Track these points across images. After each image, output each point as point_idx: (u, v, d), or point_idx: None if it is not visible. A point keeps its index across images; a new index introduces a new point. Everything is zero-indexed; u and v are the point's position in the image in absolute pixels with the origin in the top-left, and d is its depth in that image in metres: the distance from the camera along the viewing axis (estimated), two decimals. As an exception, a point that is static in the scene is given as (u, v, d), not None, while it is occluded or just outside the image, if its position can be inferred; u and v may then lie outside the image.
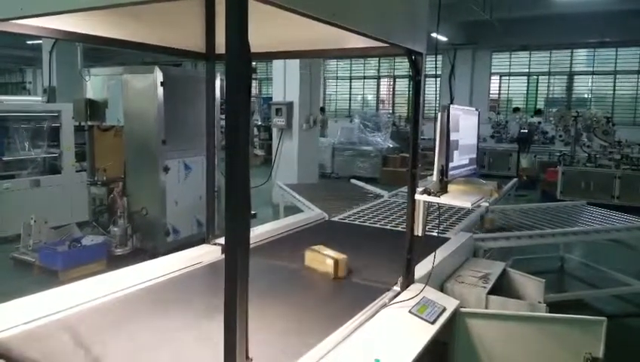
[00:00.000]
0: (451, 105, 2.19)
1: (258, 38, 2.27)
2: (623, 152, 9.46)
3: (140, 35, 2.53)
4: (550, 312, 2.72)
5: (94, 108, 5.85)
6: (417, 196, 2.25)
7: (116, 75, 5.75)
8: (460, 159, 2.35)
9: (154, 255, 3.73)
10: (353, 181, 6.49)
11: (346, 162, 12.34)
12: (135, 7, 1.53)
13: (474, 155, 2.55)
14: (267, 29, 2.22)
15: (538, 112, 13.75)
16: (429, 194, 2.20)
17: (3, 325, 1.92)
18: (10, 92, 23.65)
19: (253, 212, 6.41)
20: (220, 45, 2.84)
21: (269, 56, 3.06)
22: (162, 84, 5.39)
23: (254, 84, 19.53)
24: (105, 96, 5.84)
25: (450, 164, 2.23)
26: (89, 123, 5.94)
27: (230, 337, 1.34)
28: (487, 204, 4.21)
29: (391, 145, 12.51)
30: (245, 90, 1.29)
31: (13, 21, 1.85)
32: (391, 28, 2.15)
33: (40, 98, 11.14)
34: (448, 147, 2.17)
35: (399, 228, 3.71)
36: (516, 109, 14.36)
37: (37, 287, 2.26)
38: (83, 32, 2.28)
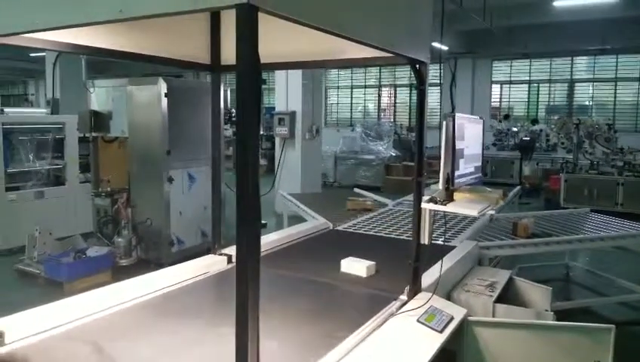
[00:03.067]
0: (457, 114, 2.21)
1: (262, 50, 2.29)
2: (626, 159, 9.44)
3: (146, 48, 2.55)
4: (557, 320, 2.71)
5: (99, 120, 5.89)
6: (424, 204, 2.25)
7: (120, 86, 5.79)
8: (466, 168, 2.36)
9: (159, 265, 3.75)
10: (356, 190, 6.49)
11: (349, 171, 12.34)
12: (141, 21, 1.55)
13: (479, 163, 2.56)
14: (269, 40, 2.24)
15: (534, 122, 13.82)
16: (435, 202, 2.21)
17: (10, 337, 1.92)
18: (12, 104, 23.75)
19: (263, 222, 6.40)
20: (225, 57, 2.87)
21: (271, 67, 3.09)
22: (166, 95, 5.43)
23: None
24: (109, 108, 5.88)
25: (456, 173, 2.24)
26: (93, 134, 5.97)
27: (242, 349, 1.34)
28: (493, 212, 4.19)
29: (393, 154, 12.52)
30: (256, 102, 1.30)
31: (24, 35, 1.87)
32: (395, 38, 2.17)
33: (44, 110, 11.19)
34: (454, 155, 2.18)
35: (404, 237, 3.71)
36: (506, 116, 14.42)
37: (42, 299, 2.26)
38: (90, 44, 2.30)
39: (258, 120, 1.31)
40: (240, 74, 1.30)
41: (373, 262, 2.85)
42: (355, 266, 2.82)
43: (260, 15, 1.31)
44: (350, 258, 2.91)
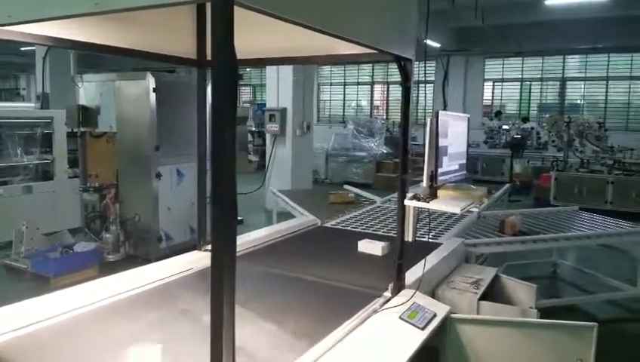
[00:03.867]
0: (440, 111, 2.21)
1: (248, 45, 2.29)
2: (616, 157, 9.50)
3: (131, 42, 2.52)
4: (542, 318, 2.72)
5: (87, 115, 5.85)
6: (407, 202, 2.25)
7: (109, 81, 5.75)
8: (450, 165, 2.36)
9: (147, 261, 3.72)
10: (347, 187, 6.49)
11: (340, 168, 12.34)
12: (126, 14, 1.53)
13: (463, 161, 2.56)
14: (258, 35, 2.23)
15: (525, 120, 13.91)
16: (419, 199, 2.21)
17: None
18: (3, 98, 23.52)
19: (240, 218, 6.40)
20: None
21: (260, 63, 3.07)
22: (155, 90, 5.39)
23: (248, 90, 19.56)
24: (97, 103, 5.83)
25: (440, 170, 2.24)
26: (82, 129, 5.93)
27: (217, 347, 1.33)
28: (477, 210, 4.20)
29: (385, 151, 12.52)
30: (232, 97, 1.29)
31: (2, 28, 1.84)
32: (380, 35, 2.16)
33: (33, 104, 11.09)
34: (437, 153, 2.18)
35: (391, 234, 3.71)
36: (498, 114, 14.50)
37: (28, 294, 2.25)
38: (74, 38, 2.27)
39: (234, 115, 1.30)
40: (216, 69, 1.29)
41: (387, 243, 3.08)
42: (371, 246, 3.10)
43: (245, 10, 1.29)
44: (366, 239, 3.25)
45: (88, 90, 5.92)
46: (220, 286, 1.31)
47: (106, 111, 5.77)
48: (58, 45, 2.32)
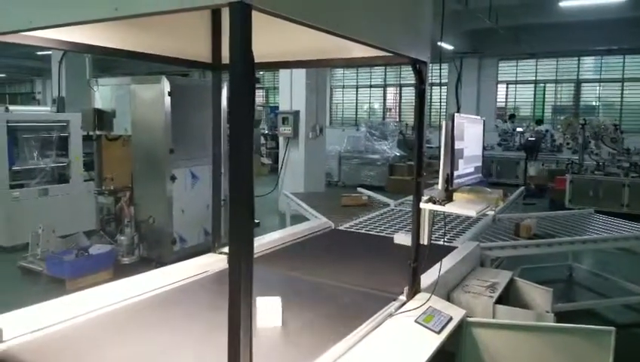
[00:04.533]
0: (456, 114, 2.19)
1: (263, 48, 2.30)
2: (632, 160, 9.37)
3: (147, 46, 2.55)
4: (559, 322, 2.69)
5: (102, 118, 5.90)
6: (422, 205, 2.24)
7: (124, 85, 5.80)
8: (465, 168, 2.34)
9: (161, 264, 3.76)
10: (360, 189, 6.48)
11: (353, 171, 12.32)
12: (142, 19, 1.55)
13: (479, 164, 2.54)
14: (272, 38, 2.24)
15: (539, 122, 13.77)
16: (434, 202, 2.19)
17: (10, 333, 1.93)
18: (20, 102, 23.91)
19: (256, 221, 6.41)
20: (227, 55, 2.86)
21: (274, 66, 3.08)
22: (169, 93, 5.43)
23: (261, 93, 19.64)
24: (113, 106, 5.89)
25: (455, 173, 2.22)
26: (97, 132, 5.99)
27: (234, 349, 1.33)
28: (492, 213, 4.16)
29: (398, 154, 12.47)
30: (249, 101, 1.30)
31: (22, 33, 1.88)
32: (394, 37, 2.16)
33: (49, 108, 11.24)
34: (453, 156, 2.17)
35: (405, 237, 3.69)
36: (512, 116, 14.38)
37: (44, 296, 2.27)
38: (91, 43, 2.31)
39: (251, 119, 1.31)
40: (233, 73, 1.29)
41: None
42: (408, 238, 2.96)
43: (259, 13, 1.30)
44: (402, 231, 3.35)
45: (104, 93, 5.99)
46: (238, 289, 1.32)
47: (121, 114, 5.82)
48: (76, 50, 2.35)
